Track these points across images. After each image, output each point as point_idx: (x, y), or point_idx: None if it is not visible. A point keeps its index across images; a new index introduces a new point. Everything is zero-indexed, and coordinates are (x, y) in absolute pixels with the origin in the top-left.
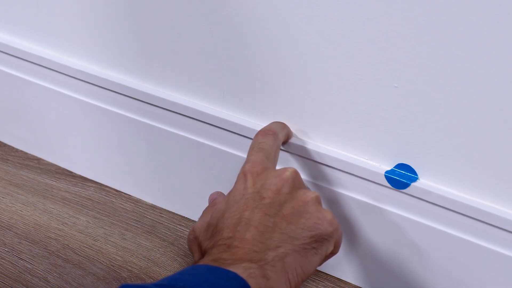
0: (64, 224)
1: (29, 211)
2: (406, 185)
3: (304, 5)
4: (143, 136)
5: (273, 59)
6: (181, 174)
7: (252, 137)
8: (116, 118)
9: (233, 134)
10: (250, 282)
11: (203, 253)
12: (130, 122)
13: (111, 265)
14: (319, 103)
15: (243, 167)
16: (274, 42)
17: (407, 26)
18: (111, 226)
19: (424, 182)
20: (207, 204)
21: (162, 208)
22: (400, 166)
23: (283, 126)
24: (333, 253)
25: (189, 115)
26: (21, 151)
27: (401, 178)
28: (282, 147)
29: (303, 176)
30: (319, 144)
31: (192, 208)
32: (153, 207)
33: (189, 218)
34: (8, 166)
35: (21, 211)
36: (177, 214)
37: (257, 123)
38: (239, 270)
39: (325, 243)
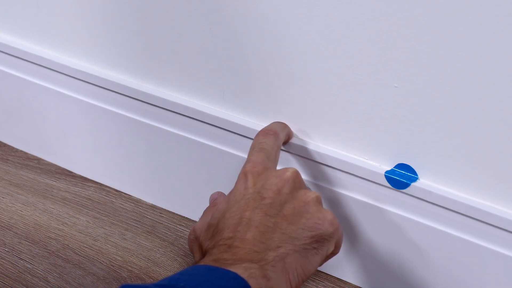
0: (64, 224)
1: (29, 211)
2: (406, 185)
3: (304, 5)
4: (143, 136)
5: (273, 59)
6: (181, 174)
7: (252, 137)
8: (116, 118)
9: (233, 134)
10: (251, 282)
11: (203, 253)
12: (130, 122)
13: (111, 265)
14: (319, 103)
15: (244, 167)
16: (274, 42)
17: (407, 26)
18: (111, 226)
19: (424, 182)
20: (207, 204)
21: (162, 208)
22: (400, 166)
23: (284, 126)
24: (333, 253)
25: (189, 115)
26: (21, 151)
27: (401, 178)
28: (282, 147)
29: (303, 176)
30: (320, 144)
31: (192, 208)
32: (153, 207)
33: (189, 218)
34: (8, 166)
35: (21, 211)
36: (177, 214)
37: (257, 123)
38: (240, 270)
39: (325, 243)
